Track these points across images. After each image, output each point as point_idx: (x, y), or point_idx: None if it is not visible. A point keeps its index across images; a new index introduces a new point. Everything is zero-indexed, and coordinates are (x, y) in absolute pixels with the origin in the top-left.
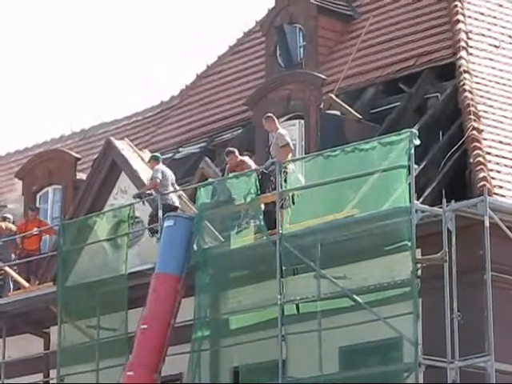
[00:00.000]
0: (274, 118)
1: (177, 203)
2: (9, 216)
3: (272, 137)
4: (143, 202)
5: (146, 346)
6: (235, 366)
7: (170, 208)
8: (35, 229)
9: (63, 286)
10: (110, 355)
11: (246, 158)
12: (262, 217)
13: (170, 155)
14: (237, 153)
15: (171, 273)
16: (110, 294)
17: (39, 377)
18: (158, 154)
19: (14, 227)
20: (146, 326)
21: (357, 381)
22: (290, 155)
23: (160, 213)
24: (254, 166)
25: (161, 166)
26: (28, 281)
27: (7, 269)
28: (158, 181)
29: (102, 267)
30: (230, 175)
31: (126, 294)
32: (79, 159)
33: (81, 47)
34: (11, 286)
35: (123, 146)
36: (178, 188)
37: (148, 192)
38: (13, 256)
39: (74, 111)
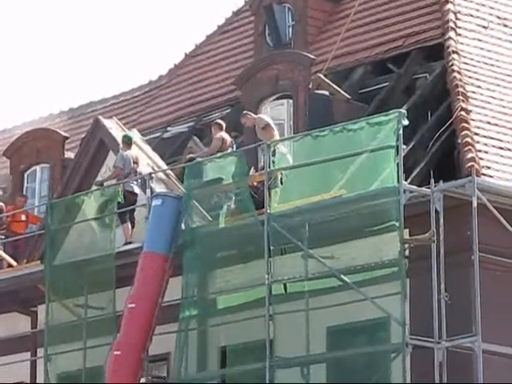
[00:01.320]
0: (249, 113)
1: (136, 190)
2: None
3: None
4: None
5: (134, 325)
6: (223, 345)
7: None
8: (23, 216)
9: (51, 264)
10: (97, 334)
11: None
12: (249, 196)
13: (158, 134)
14: (222, 127)
15: (159, 252)
16: (98, 272)
17: (26, 355)
18: (130, 135)
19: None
20: (133, 305)
21: (344, 361)
22: (276, 134)
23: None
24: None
25: (127, 152)
26: (15, 261)
27: None
28: (120, 170)
29: (90, 246)
30: (218, 155)
31: (114, 272)
32: (67, 138)
33: (69, 26)
34: None
35: (111, 125)
36: (154, 169)
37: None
38: None
39: (62, 90)
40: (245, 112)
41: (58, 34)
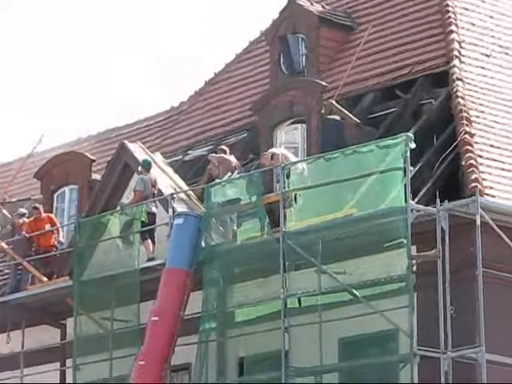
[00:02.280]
0: (265, 153)
1: (154, 210)
2: (25, 211)
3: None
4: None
5: (157, 337)
6: (241, 356)
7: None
8: (47, 226)
9: (79, 280)
10: (123, 345)
11: (230, 157)
12: (266, 215)
13: (179, 157)
14: (226, 151)
15: (180, 268)
16: (123, 287)
17: (56, 366)
18: (149, 161)
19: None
20: (156, 318)
21: (355, 370)
22: (288, 156)
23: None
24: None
25: (146, 176)
26: (46, 276)
27: (25, 263)
28: (141, 193)
29: (116, 262)
30: (236, 176)
31: (139, 287)
32: (94, 161)
33: (95, 55)
34: (29, 280)
35: (136, 149)
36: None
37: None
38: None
39: (89, 115)
40: (263, 153)
41: (86, 63)
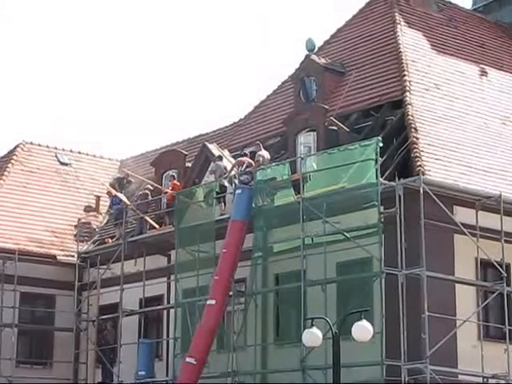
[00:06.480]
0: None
1: (225, 184)
2: (149, 186)
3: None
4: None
5: (226, 262)
6: (276, 273)
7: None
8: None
9: (178, 227)
10: (204, 267)
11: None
12: (291, 187)
13: (238, 152)
14: (247, 156)
15: (240, 219)
16: (205, 231)
17: (164, 279)
18: (221, 155)
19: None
20: (225, 250)
21: (346, 282)
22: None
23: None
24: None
25: (220, 163)
26: (158, 224)
27: (146, 217)
28: (218, 174)
29: (201, 216)
30: (273, 164)
31: (214, 231)
32: (187, 155)
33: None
34: (148, 227)
35: (212, 147)
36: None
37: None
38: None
39: (182, 126)
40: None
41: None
